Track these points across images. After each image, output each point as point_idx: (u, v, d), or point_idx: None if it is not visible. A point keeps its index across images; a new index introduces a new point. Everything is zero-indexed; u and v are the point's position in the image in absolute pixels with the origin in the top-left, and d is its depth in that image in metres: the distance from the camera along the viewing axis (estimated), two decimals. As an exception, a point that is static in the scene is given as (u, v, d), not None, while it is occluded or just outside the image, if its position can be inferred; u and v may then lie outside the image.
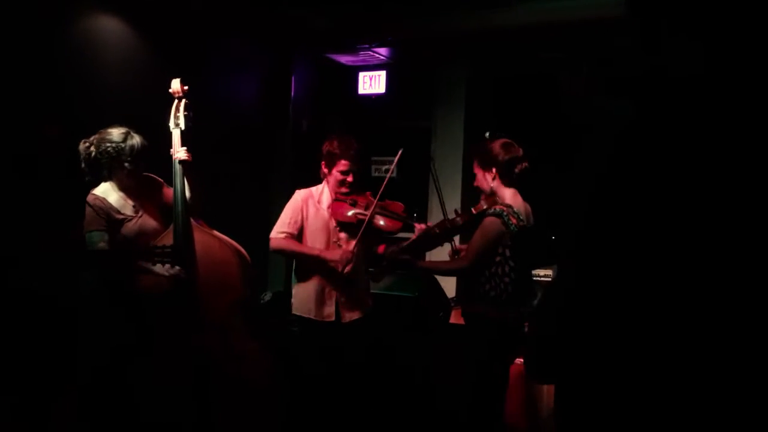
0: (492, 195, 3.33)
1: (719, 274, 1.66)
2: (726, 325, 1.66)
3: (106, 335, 3.13)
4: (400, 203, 3.68)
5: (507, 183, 3.32)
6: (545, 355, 1.96)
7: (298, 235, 3.65)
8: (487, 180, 3.33)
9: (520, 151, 3.31)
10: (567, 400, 2.00)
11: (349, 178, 3.60)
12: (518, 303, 3.30)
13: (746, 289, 1.64)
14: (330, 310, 3.62)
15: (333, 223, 3.63)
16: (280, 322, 4.51)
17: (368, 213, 3.52)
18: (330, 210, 3.64)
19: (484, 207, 3.30)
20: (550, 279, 5.03)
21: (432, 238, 3.50)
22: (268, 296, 5.12)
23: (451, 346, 4.08)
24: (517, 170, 3.29)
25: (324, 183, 3.72)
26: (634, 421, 1.79)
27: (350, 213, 3.58)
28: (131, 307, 3.14)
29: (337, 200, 3.64)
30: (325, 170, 3.65)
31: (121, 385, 3.08)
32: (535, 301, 3.65)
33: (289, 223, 3.62)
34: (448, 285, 4.92)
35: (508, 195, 3.31)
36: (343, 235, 3.64)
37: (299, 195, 3.70)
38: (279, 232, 3.63)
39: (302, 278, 3.68)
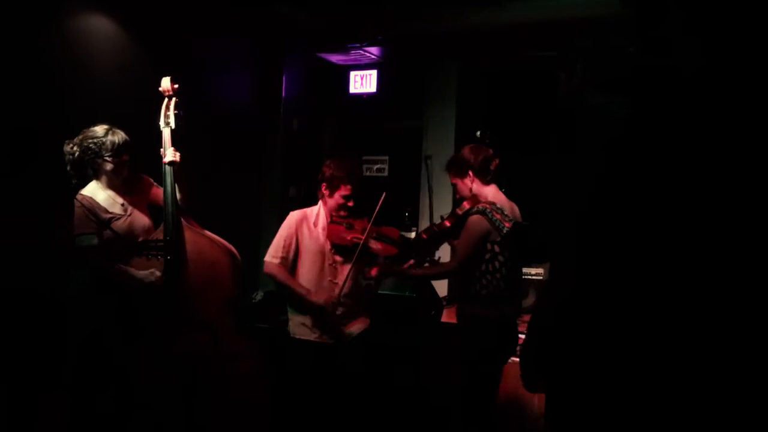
0: (474, 196, 3.36)
1: (716, 274, 1.65)
2: (723, 326, 1.65)
3: (95, 334, 3.11)
4: (395, 228, 3.67)
5: (485, 182, 3.39)
6: (546, 366, 1.96)
7: (294, 258, 3.59)
8: (467, 185, 3.40)
9: (490, 151, 3.40)
10: (560, 401, 1.99)
11: (350, 203, 3.58)
12: (510, 300, 3.30)
13: (744, 289, 1.63)
14: (329, 334, 3.57)
15: (328, 246, 3.59)
16: (272, 321, 4.50)
17: (364, 237, 3.50)
18: (325, 232, 3.61)
19: (468, 207, 3.33)
20: (541, 278, 5.03)
21: (422, 244, 3.51)
22: (259, 296, 5.10)
23: (443, 345, 4.08)
24: (492, 167, 3.38)
25: (320, 204, 3.67)
26: (625, 422, 1.78)
27: (346, 236, 3.55)
28: (121, 306, 3.12)
29: (333, 223, 3.60)
30: (325, 192, 3.61)
31: (110, 384, 3.07)
32: (524, 301, 3.66)
33: (284, 246, 3.56)
34: (440, 284, 4.92)
35: (490, 193, 3.37)
36: (338, 257, 3.60)
37: (293, 218, 3.64)
38: (272, 256, 3.57)
39: (296, 308, 3.62)
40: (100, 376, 3.09)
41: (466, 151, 3.41)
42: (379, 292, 4.43)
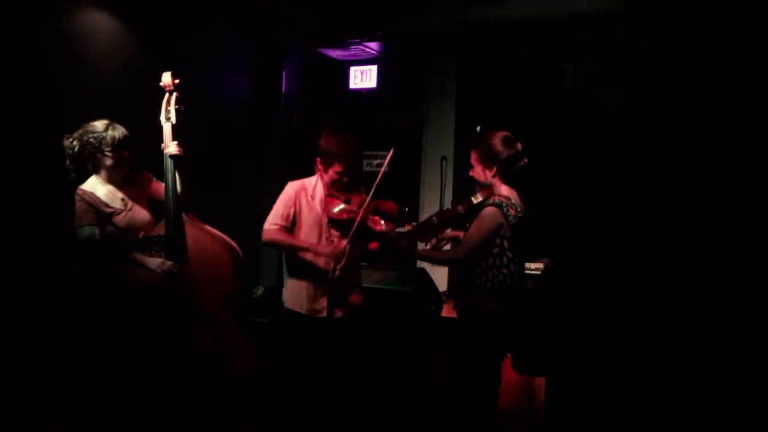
0: (489, 187, 3.33)
1: (716, 268, 1.65)
2: (721, 321, 1.65)
3: (97, 328, 3.12)
4: (393, 203, 3.63)
5: (505, 180, 3.32)
6: (537, 347, 1.96)
7: (291, 228, 3.60)
8: (486, 175, 3.32)
9: (520, 146, 3.30)
10: (561, 392, 2.00)
11: (345, 179, 3.56)
12: (514, 295, 3.29)
13: (743, 287, 1.63)
14: (321, 305, 3.59)
15: (325, 219, 3.59)
16: (272, 316, 4.51)
17: (360, 212, 3.46)
18: (322, 205, 3.61)
19: (483, 197, 3.29)
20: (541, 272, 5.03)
21: (431, 228, 3.47)
22: (260, 291, 5.11)
23: (443, 340, 4.09)
24: (517, 168, 3.30)
25: (317, 177, 3.66)
26: (626, 413, 1.78)
27: (342, 211, 3.53)
28: (122, 301, 3.12)
29: (330, 196, 3.58)
30: (321, 167, 3.60)
31: (110, 379, 3.07)
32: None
33: (282, 215, 3.57)
34: (440, 279, 4.92)
35: (504, 190, 3.31)
36: (335, 231, 3.60)
37: (292, 187, 3.64)
38: (272, 223, 3.57)
39: (294, 273, 3.64)
40: (99, 369, 3.09)
41: (499, 142, 3.27)
42: (381, 287, 4.43)
